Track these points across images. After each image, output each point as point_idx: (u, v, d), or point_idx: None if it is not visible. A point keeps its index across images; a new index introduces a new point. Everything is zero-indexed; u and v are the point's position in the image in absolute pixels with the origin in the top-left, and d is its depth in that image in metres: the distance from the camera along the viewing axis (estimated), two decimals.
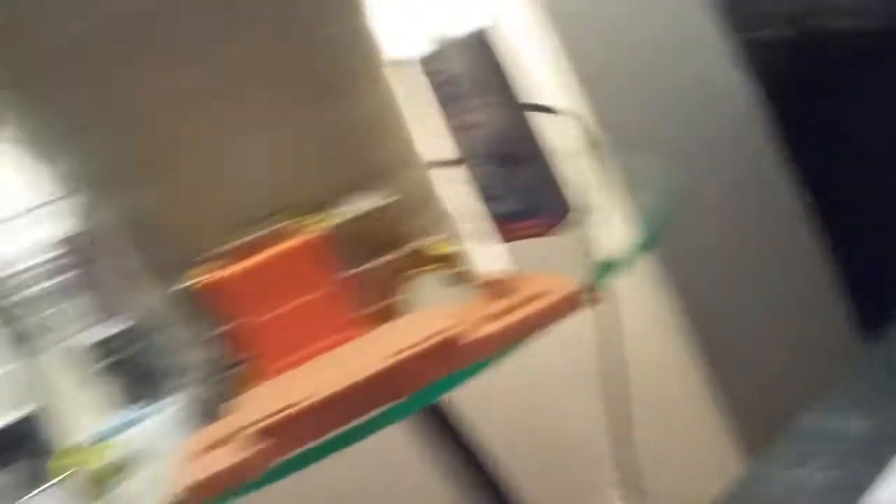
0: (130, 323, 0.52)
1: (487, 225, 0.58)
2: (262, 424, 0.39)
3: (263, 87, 0.51)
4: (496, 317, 0.43)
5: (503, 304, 0.44)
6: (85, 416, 0.49)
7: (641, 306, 1.01)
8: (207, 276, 0.45)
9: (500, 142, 0.56)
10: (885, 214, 0.99)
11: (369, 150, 0.57)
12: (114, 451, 0.48)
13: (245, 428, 0.40)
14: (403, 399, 0.40)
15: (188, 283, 0.44)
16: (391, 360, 0.41)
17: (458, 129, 0.58)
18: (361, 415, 0.40)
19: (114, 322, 0.51)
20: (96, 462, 0.46)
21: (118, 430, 0.49)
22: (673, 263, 0.98)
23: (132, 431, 0.49)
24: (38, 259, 0.49)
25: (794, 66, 0.98)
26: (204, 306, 0.45)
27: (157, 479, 0.48)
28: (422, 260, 0.50)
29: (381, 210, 0.50)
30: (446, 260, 0.51)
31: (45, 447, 0.49)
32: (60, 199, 0.49)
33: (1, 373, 0.49)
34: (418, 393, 0.40)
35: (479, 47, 0.55)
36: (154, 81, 0.49)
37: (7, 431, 0.50)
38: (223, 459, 0.39)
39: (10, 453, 0.49)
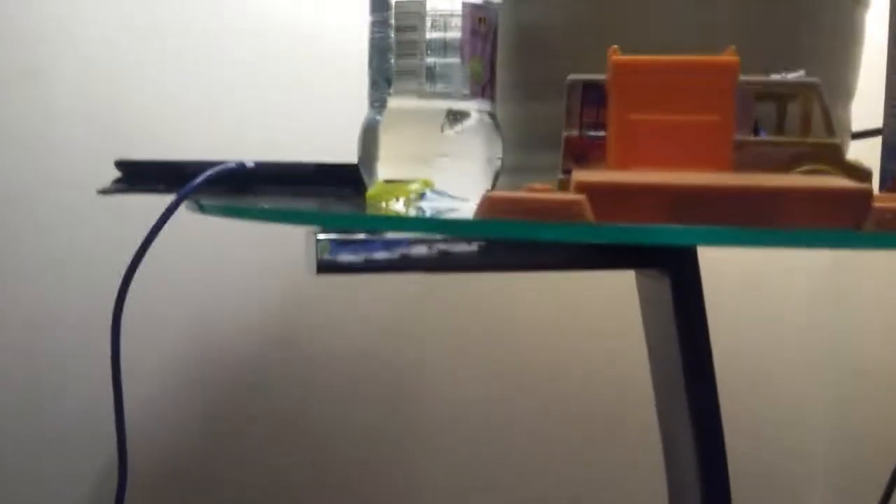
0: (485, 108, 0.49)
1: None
2: (588, 179, 0.33)
3: None
4: None
5: None
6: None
7: None
8: (619, 56, 0.40)
9: None
10: None
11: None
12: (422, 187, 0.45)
13: (570, 180, 0.34)
14: (772, 226, 0.31)
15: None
16: (786, 182, 0.32)
17: None
18: (708, 220, 0.31)
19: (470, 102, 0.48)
20: (404, 193, 0.44)
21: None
22: None
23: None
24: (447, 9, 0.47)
25: None
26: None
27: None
28: (820, 155, 0.41)
29: (798, 86, 0.42)
30: (849, 168, 0.40)
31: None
32: None
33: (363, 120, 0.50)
34: (792, 231, 0.31)
35: None
36: None
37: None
38: (533, 192, 0.33)
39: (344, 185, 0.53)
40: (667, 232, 0.31)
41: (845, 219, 0.31)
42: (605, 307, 0.86)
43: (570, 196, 0.32)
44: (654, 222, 0.32)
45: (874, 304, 0.91)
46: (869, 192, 0.31)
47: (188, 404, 0.80)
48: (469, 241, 0.50)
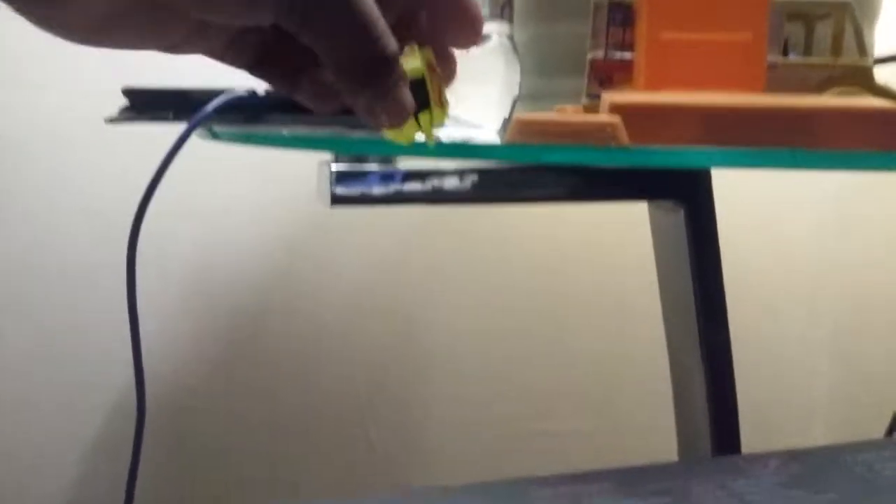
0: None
1: None
2: (622, 101, 0.32)
3: None
4: None
5: None
6: None
7: None
8: None
9: None
10: None
11: None
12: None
13: (599, 103, 0.33)
14: (809, 147, 0.30)
15: None
16: (822, 102, 0.31)
17: None
18: (744, 142, 0.31)
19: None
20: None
21: None
22: None
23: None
24: None
25: None
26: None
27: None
28: (851, 76, 0.40)
29: (830, 5, 0.40)
30: (879, 91, 0.40)
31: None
32: None
33: None
34: (829, 151, 0.30)
35: None
36: None
37: None
38: (566, 116, 0.32)
39: None
40: (708, 155, 0.30)
41: (884, 139, 0.30)
42: (613, 243, 0.86)
43: (604, 118, 0.31)
44: (688, 144, 0.31)
45: (878, 236, 0.91)
46: None
47: (199, 335, 0.80)
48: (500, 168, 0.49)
